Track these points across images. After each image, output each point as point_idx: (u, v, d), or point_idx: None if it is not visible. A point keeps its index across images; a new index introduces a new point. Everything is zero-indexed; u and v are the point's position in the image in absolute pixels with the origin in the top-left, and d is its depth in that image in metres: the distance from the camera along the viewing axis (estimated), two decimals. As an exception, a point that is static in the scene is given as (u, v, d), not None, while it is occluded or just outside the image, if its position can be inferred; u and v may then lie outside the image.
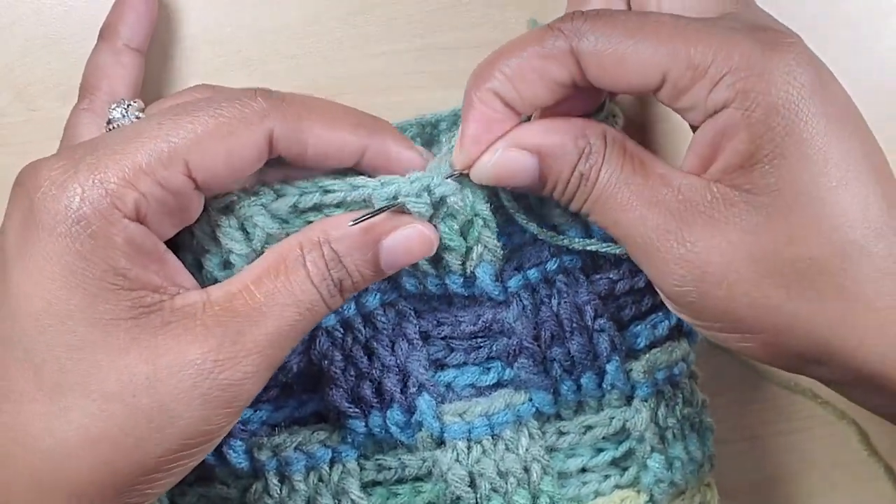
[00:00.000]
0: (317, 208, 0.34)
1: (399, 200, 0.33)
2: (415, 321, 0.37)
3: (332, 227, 0.32)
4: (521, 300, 0.37)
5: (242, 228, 0.33)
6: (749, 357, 0.32)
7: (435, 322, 0.37)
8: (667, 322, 0.39)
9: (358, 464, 0.37)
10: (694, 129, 0.33)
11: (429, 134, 0.40)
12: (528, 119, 0.35)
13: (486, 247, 0.36)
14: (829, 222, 0.29)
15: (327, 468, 0.36)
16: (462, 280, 0.36)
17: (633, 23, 0.30)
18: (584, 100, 0.34)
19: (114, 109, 0.34)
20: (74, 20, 0.42)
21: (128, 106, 0.34)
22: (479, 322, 0.37)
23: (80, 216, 0.29)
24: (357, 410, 0.36)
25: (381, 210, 0.33)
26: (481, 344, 0.37)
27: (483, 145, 0.33)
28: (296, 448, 0.36)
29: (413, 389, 0.36)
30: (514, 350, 0.37)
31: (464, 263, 0.36)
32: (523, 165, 0.32)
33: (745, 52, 0.29)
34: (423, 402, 0.36)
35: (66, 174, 0.29)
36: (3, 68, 0.42)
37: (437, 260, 0.35)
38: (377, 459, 0.37)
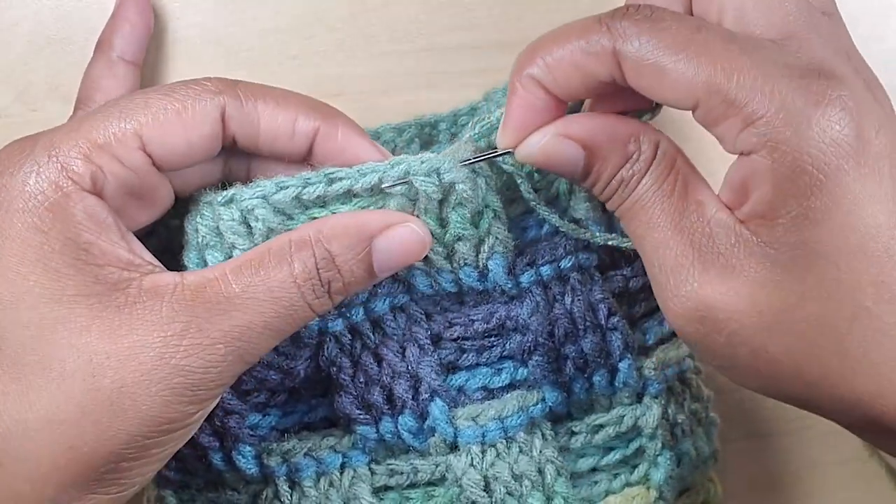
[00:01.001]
0: (322, 201, 0.33)
1: (407, 179, 0.33)
2: (426, 325, 0.36)
3: (327, 225, 0.32)
4: (533, 296, 0.36)
5: (245, 222, 0.33)
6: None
7: (446, 324, 0.37)
8: None
9: (369, 469, 0.36)
10: None
11: (427, 135, 0.40)
12: (581, 104, 0.35)
13: (497, 238, 0.35)
14: (844, 287, 0.29)
15: (338, 474, 0.36)
16: (477, 273, 0.36)
17: (681, 35, 0.29)
18: (636, 93, 0.33)
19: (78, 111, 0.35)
20: (76, 21, 0.42)
21: None
22: (493, 320, 0.36)
23: (37, 191, 0.29)
24: (367, 417, 0.36)
25: (391, 186, 0.33)
26: (494, 343, 0.37)
27: (529, 129, 0.32)
28: (306, 454, 0.36)
29: (425, 395, 0.36)
30: (529, 347, 0.36)
31: (477, 255, 0.35)
32: (569, 155, 0.32)
33: (785, 99, 0.28)
34: (436, 408, 0.36)
35: (23, 153, 0.30)
36: (5, 69, 0.42)
37: (450, 253, 0.35)
38: (388, 464, 0.36)
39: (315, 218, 0.33)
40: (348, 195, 0.33)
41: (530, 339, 0.36)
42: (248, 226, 0.33)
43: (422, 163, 0.33)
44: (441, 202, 0.34)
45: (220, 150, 0.33)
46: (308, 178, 0.33)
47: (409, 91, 0.44)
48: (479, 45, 0.44)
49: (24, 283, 0.29)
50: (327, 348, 0.36)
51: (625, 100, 0.33)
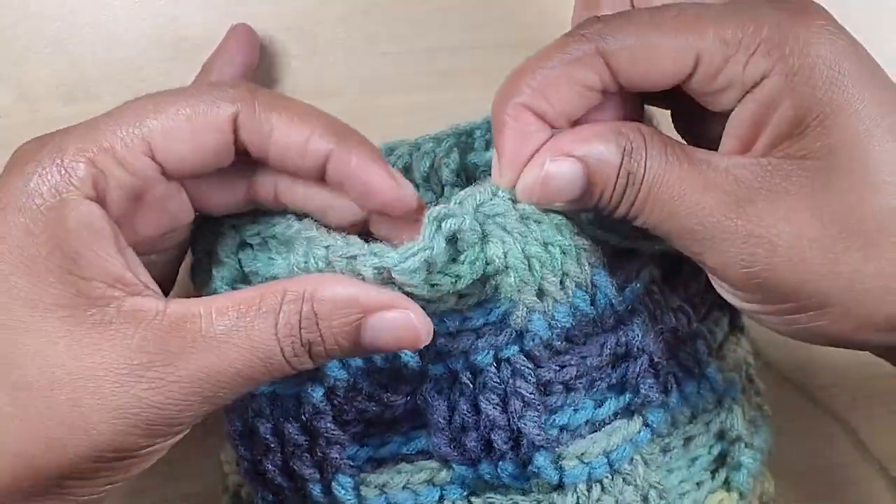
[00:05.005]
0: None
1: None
2: (532, 379, 0.33)
3: (324, 286, 0.30)
4: (639, 313, 0.34)
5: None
6: (813, 338, 0.31)
7: (557, 367, 0.34)
8: (726, 318, 0.39)
9: (468, 502, 0.35)
10: (719, 122, 0.32)
11: (464, 143, 0.38)
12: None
13: (584, 248, 0.33)
14: (888, 176, 0.29)
15: None
16: (588, 296, 0.33)
17: (654, 17, 0.30)
18: (614, 111, 0.33)
19: None
20: (78, 21, 0.41)
21: None
22: (604, 352, 0.34)
23: (35, 192, 0.29)
24: (464, 458, 0.34)
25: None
26: (602, 376, 0.34)
27: (523, 163, 0.31)
28: (404, 487, 0.34)
29: (527, 449, 0.33)
30: (641, 371, 0.34)
31: (581, 270, 0.33)
32: (571, 176, 0.31)
33: (774, 21, 0.29)
34: (541, 458, 0.33)
35: (32, 154, 0.29)
36: (6, 69, 0.41)
37: (563, 280, 0.33)
38: (487, 498, 0.35)
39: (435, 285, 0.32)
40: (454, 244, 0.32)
41: (643, 363, 0.34)
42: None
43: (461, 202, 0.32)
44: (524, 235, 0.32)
45: (246, 171, 0.33)
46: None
47: (409, 91, 0.44)
48: (479, 45, 0.44)
49: (4, 283, 0.28)
50: (425, 388, 0.34)
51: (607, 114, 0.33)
